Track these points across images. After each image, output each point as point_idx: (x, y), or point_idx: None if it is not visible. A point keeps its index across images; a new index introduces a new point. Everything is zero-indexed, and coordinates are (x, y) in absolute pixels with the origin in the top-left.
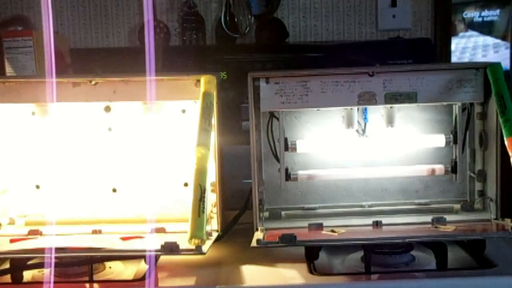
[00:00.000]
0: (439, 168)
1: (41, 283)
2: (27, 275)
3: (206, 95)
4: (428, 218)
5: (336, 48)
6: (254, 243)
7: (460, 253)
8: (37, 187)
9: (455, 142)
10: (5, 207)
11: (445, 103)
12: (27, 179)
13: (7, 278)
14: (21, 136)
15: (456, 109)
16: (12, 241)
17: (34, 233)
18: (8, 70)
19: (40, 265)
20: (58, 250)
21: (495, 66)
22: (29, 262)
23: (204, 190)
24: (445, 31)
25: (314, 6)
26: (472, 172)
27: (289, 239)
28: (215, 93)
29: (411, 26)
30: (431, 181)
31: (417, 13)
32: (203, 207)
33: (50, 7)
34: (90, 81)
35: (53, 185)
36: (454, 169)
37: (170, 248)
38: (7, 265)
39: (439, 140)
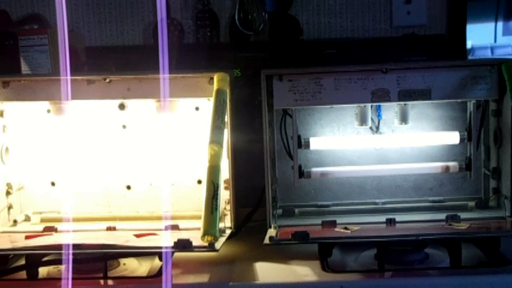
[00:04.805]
0: (453, 165)
1: (56, 279)
2: (42, 271)
3: (219, 93)
4: (442, 215)
5: (350, 45)
6: (266, 240)
7: (474, 251)
8: (52, 184)
9: (469, 139)
10: (20, 204)
11: (459, 100)
12: (42, 177)
13: (23, 274)
14: (37, 134)
15: (470, 106)
16: (27, 237)
17: (49, 229)
18: (24, 68)
19: (55, 262)
20: (73, 246)
21: (510, 63)
22: (44, 259)
23: (217, 187)
24: (460, 27)
25: (328, 3)
26: (486, 170)
27: (301, 237)
28: (228, 91)
29: (426, 22)
30: (445, 179)
31: (432, 10)
32: (216, 204)
33: (65, 5)
34: (104, 79)
35: (68, 182)
36: (468, 167)
37: (183, 245)
38: (22, 261)
39: (454, 137)
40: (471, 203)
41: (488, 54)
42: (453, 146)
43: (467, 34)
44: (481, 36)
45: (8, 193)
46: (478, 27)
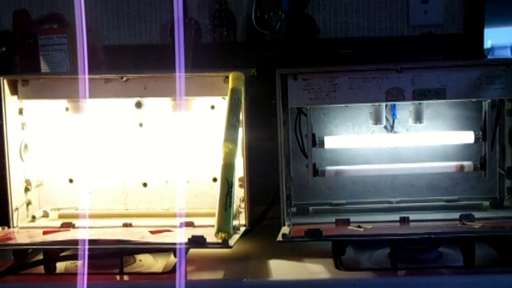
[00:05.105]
0: (468, 164)
1: (73, 274)
2: (60, 266)
3: (234, 91)
4: (456, 215)
5: (367, 44)
6: (279, 238)
7: (488, 250)
8: (70, 181)
9: (484, 138)
10: (39, 200)
11: (474, 100)
12: (60, 174)
13: (41, 268)
14: (55, 131)
15: (485, 105)
16: (45, 233)
17: (67, 225)
18: (43, 67)
19: (72, 257)
20: (89, 242)
21: None
22: (62, 254)
23: (231, 184)
24: (477, 27)
25: (345, 2)
26: (501, 169)
27: (314, 234)
28: (243, 89)
29: (443, 21)
30: (460, 178)
31: (449, 9)
32: (230, 202)
33: (83, 5)
34: (121, 78)
35: (86, 179)
36: (483, 166)
37: (197, 241)
38: (40, 256)
39: (468, 136)
40: (486, 203)
41: (508, 54)
42: (468, 145)
43: (486, 33)
44: (501, 35)
45: (27, 189)
46: (498, 27)
